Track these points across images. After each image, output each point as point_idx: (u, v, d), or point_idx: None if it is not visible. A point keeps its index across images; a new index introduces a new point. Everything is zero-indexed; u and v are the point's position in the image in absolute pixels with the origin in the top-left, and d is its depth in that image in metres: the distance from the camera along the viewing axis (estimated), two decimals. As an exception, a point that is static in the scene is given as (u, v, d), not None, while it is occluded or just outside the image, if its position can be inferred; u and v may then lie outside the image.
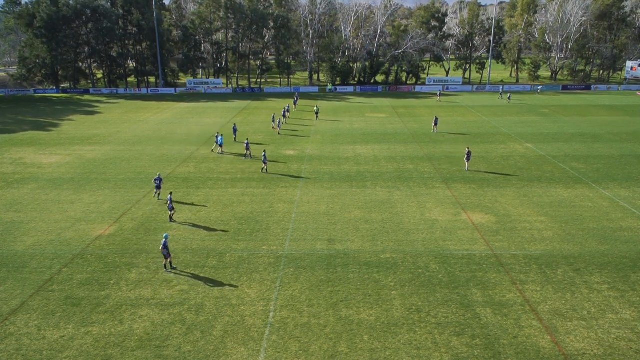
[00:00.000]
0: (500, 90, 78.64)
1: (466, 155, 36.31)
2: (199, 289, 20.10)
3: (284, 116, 57.32)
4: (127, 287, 20.28)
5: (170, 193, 27.63)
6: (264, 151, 37.11)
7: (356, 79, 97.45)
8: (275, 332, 17.25)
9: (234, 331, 17.29)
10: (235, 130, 47.04)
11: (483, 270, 21.44)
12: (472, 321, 17.75)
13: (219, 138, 42.16)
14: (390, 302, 19.02)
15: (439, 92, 77.41)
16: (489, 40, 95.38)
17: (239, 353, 16.17)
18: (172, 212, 26.95)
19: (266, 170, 36.11)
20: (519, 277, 20.79)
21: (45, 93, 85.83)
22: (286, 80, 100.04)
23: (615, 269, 21.40)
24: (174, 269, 21.79)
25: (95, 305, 18.96)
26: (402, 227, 26.00)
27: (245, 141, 40.70)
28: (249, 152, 40.38)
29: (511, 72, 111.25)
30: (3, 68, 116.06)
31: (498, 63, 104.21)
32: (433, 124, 50.40)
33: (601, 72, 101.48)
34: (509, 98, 72.64)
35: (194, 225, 26.53)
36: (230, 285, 20.37)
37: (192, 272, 21.57)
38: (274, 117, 53.98)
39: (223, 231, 25.76)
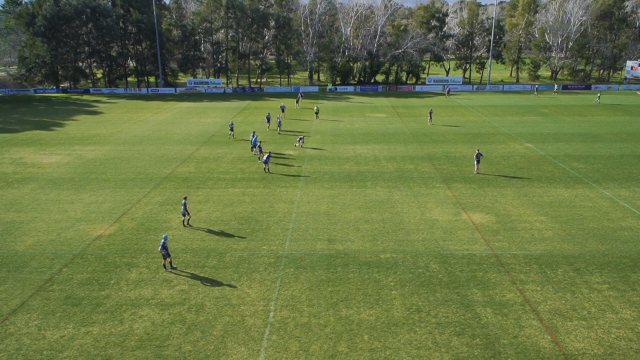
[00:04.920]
0: (536, 89, 78.84)
1: (475, 158, 35.28)
2: (199, 289, 20.10)
3: (279, 123, 53.05)
4: (127, 287, 20.28)
5: (185, 198, 26.73)
6: (269, 152, 37.00)
7: (356, 79, 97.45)
8: (275, 331, 17.25)
9: (234, 331, 17.30)
10: (254, 141, 41.27)
11: (483, 270, 21.44)
12: (472, 321, 17.75)
13: (254, 139, 41.03)
14: (390, 302, 19.02)
15: (448, 89, 79.15)
16: (489, 40, 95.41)
17: (239, 353, 16.17)
18: (185, 217, 26.21)
19: (268, 169, 36.04)
20: (519, 277, 20.79)
21: (45, 93, 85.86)
22: (286, 80, 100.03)
23: (615, 269, 21.41)
24: (174, 268, 21.79)
25: (95, 305, 18.96)
26: (402, 227, 26.00)
27: (259, 143, 39.84)
28: (261, 155, 38.94)
29: (511, 71, 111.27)
30: (3, 68, 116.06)
31: (498, 63, 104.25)
32: (429, 117, 55.62)
33: (601, 71, 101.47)
34: (598, 98, 71.21)
35: (194, 225, 26.51)
36: (230, 285, 20.37)
37: (192, 272, 21.57)
38: (277, 118, 52.11)
39: (223, 231, 25.76)
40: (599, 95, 72.68)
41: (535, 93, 79.98)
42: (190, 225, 26.43)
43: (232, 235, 25.21)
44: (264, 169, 36.23)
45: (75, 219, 27.56)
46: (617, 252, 22.97)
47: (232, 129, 48.19)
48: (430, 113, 55.86)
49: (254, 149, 41.17)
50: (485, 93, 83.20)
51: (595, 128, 51.63)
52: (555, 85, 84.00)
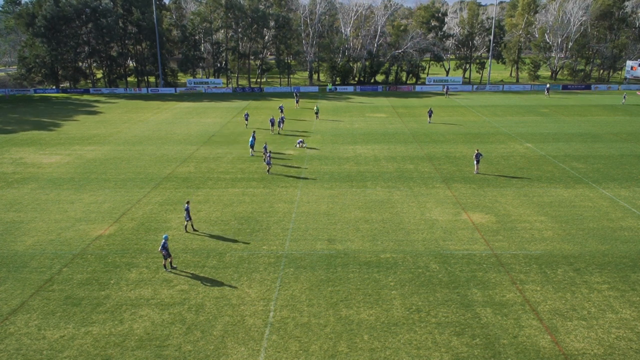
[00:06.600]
0: (547, 89, 78.02)
1: (475, 158, 35.21)
2: (199, 289, 20.10)
3: (281, 122, 51.06)
4: (127, 287, 20.28)
5: (187, 202, 25.39)
6: (270, 152, 36.90)
7: (356, 79, 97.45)
8: (275, 331, 17.25)
9: (234, 331, 17.30)
10: (253, 143, 41.31)
11: (483, 270, 21.44)
12: (472, 321, 17.75)
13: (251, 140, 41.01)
14: (390, 301, 19.02)
15: (446, 88, 79.48)
16: (489, 40, 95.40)
17: (239, 353, 16.17)
18: (188, 222, 25.47)
19: (269, 170, 35.86)
20: (519, 277, 20.80)
21: (45, 93, 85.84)
22: (286, 80, 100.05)
23: (615, 269, 21.41)
24: (174, 268, 21.79)
25: (95, 305, 18.97)
26: (402, 227, 26.00)
27: (265, 144, 39.52)
28: (264, 155, 38.03)
29: (511, 71, 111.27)
30: (3, 68, 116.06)
31: (498, 63, 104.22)
32: (428, 116, 55.96)
33: (601, 71, 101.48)
34: (624, 98, 69.81)
35: (195, 227, 26.48)
36: (230, 285, 20.37)
37: (192, 272, 21.58)
38: (279, 119, 51.07)
39: (223, 231, 25.76)
40: (625, 95, 71.58)
41: (546, 93, 78.06)
42: (196, 230, 25.81)
43: (232, 236, 25.21)
44: (267, 170, 35.90)
45: (75, 219, 27.56)
46: (617, 252, 22.98)
47: (247, 119, 53.58)
48: (430, 113, 55.83)
49: (252, 150, 41.12)
50: (485, 93, 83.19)
51: (595, 128, 51.63)
52: (548, 85, 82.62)
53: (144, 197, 31.22)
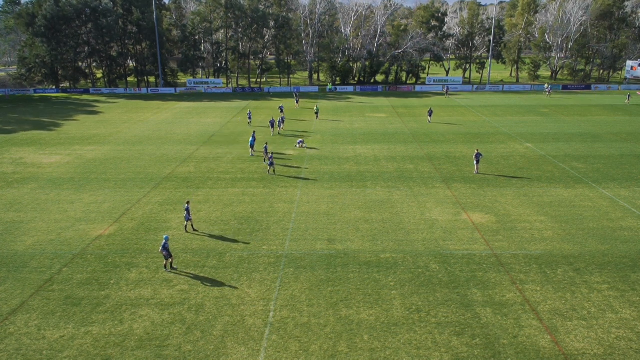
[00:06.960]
0: (549, 90, 77.51)
1: (475, 158, 35.15)
2: (199, 289, 20.10)
3: (281, 121, 51.11)
4: (127, 287, 20.28)
5: (188, 202, 25.44)
6: (271, 153, 36.85)
7: (356, 79, 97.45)
8: (275, 331, 17.25)
9: (234, 331, 17.30)
10: (253, 143, 41.16)
11: (483, 270, 21.44)
12: (472, 321, 17.75)
13: (251, 139, 40.99)
14: (390, 301, 19.02)
15: (446, 88, 79.55)
16: (489, 40, 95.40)
17: (239, 353, 16.18)
18: (188, 221, 25.44)
19: (273, 171, 35.75)
20: (519, 277, 20.80)
21: (45, 93, 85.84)
22: (286, 80, 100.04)
23: (615, 269, 21.41)
24: (175, 269, 21.79)
25: (95, 305, 18.97)
26: (402, 227, 26.00)
27: (265, 144, 39.26)
28: (265, 156, 38.05)
29: (511, 71, 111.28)
30: (3, 68, 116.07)
31: (498, 63, 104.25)
32: (428, 115, 56.08)
33: (601, 71, 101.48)
34: (628, 98, 69.40)
35: (195, 227, 26.48)
36: (230, 285, 20.37)
37: (192, 272, 21.58)
38: (272, 122, 49.50)
39: (223, 231, 25.76)
40: (629, 95, 71.18)
41: (547, 94, 77.61)
42: (196, 230, 25.78)
43: (232, 235, 25.21)
44: (268, 170, 35.84)
45: (75, 219, 27.56)
46: (617, 252, 22.98)
47: (250, 118, 55.24)
48: (430, 113, 55.82)
49: (252, 150, 41.09)
50: (485, 93, 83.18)
51: (595, 128, 51.63)
52: (546, 85, 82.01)
53: (144, 197, 31.22)
